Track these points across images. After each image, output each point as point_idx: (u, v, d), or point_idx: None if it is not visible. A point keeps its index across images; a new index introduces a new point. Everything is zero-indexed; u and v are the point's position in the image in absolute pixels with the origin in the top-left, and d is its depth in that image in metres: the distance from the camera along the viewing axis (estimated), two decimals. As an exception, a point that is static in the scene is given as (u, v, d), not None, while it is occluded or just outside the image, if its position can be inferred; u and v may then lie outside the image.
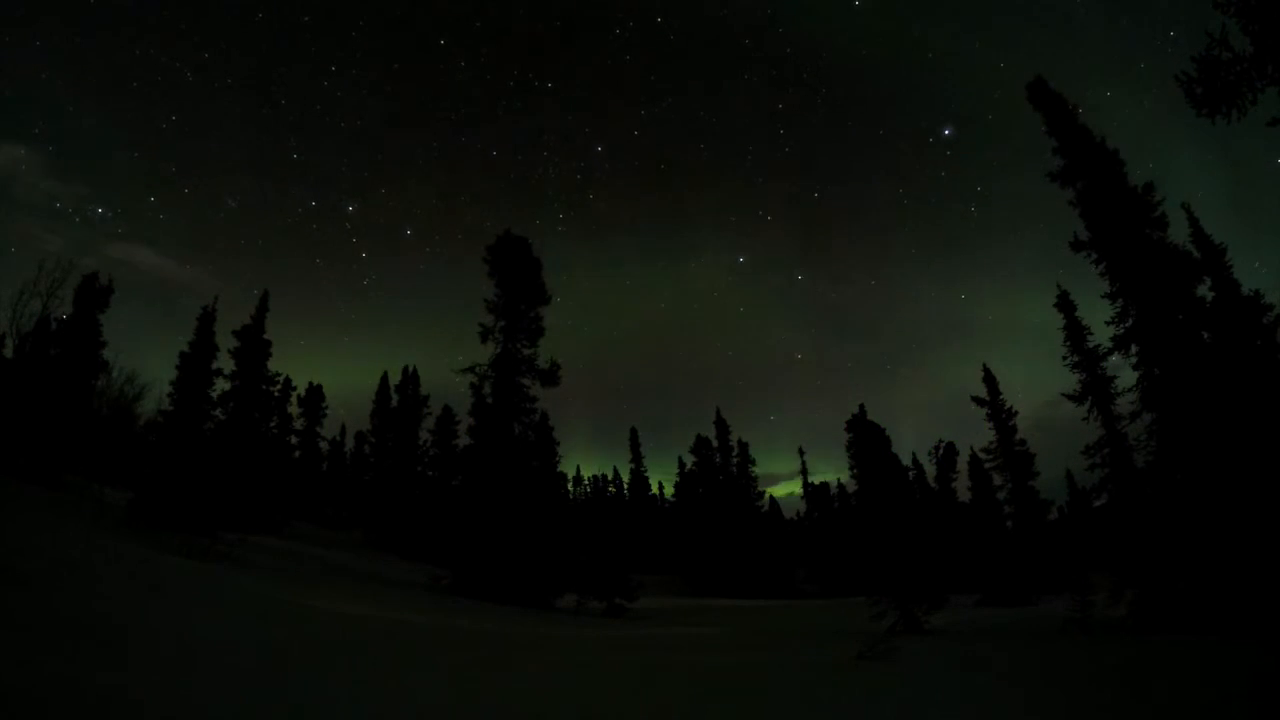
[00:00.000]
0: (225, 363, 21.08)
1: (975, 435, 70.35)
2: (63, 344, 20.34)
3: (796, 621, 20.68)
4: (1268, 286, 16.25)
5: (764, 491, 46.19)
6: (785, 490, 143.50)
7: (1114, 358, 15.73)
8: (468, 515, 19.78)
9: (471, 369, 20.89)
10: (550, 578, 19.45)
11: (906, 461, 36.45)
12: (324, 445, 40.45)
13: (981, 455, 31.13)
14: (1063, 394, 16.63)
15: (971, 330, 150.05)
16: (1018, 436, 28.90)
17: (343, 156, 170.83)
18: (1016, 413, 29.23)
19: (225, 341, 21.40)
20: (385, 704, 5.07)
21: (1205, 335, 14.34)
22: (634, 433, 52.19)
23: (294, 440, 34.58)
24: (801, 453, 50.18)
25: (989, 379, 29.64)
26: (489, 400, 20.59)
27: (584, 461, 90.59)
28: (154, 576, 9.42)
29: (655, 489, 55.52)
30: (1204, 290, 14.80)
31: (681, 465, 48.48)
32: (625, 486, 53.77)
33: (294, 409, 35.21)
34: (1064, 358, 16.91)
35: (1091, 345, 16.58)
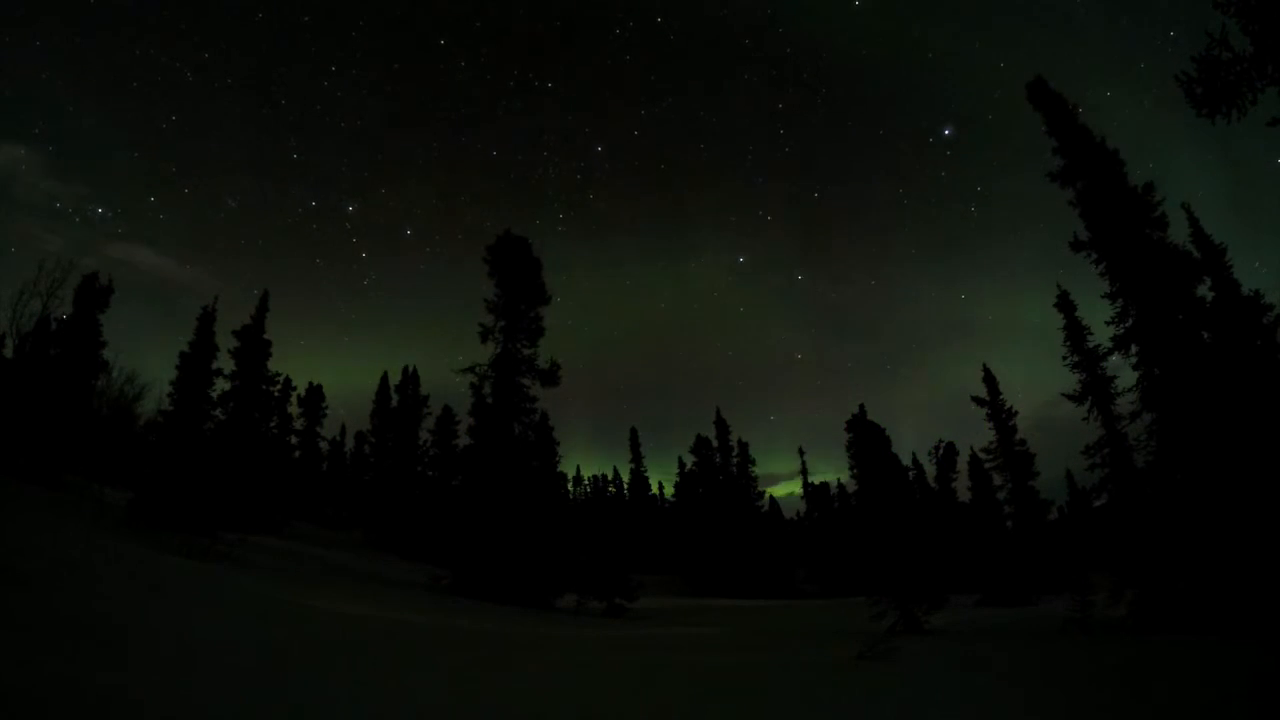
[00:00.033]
0: (225, 363, 21.13)
1: (975, 435, 70.47)
2: (63, 344, 20.34)
3: (796, 621, 20.68)
4: (1268, 286, 16.28)
5: (764, 491, 46.35)
6: (785, 490, 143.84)
7: (1114, 358, 15.77)
8: (468, 515, 19.78)
9: (471, 369, 20.92)
10: (550, 578, 19.45)
11: (906, 461, 36.49)
12: (324, 445, 40.50)
13: (981, 455, 31.15)
14: (1063, 394, 16.67)
15: (971, 330, 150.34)
16: (1018, 436, 28.91)
17: (343, 156, 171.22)
18: (1016, 413, 29.29)
19: (225, 341, 21.47)
20: (385, 704, 5.07)
21: (1205, 335, 14.34)
22: (634, 433, 52.34)
23: (294, 440, 34.59)
24: (801, 453, 50.30)
25: (989, 379, 29.65)
26: (489, 400, 20.59)
27: (584, 461, 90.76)
28: (154, 576, 9.42)
29: (655, 489, 55.58)
30: (1204, 290, 14.81)
31: (681, 465, 48.58)
32: (625, 486, 53.79)
33: (294, 409, 35.27)
34: (1064, 358, 16.94)
35: (1091, 345, 16.59)
